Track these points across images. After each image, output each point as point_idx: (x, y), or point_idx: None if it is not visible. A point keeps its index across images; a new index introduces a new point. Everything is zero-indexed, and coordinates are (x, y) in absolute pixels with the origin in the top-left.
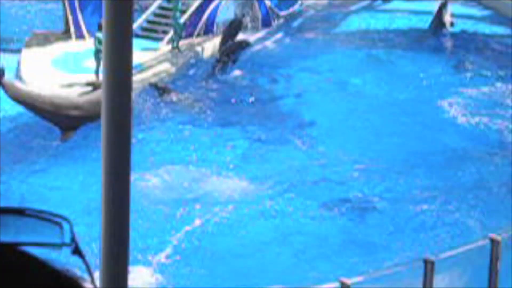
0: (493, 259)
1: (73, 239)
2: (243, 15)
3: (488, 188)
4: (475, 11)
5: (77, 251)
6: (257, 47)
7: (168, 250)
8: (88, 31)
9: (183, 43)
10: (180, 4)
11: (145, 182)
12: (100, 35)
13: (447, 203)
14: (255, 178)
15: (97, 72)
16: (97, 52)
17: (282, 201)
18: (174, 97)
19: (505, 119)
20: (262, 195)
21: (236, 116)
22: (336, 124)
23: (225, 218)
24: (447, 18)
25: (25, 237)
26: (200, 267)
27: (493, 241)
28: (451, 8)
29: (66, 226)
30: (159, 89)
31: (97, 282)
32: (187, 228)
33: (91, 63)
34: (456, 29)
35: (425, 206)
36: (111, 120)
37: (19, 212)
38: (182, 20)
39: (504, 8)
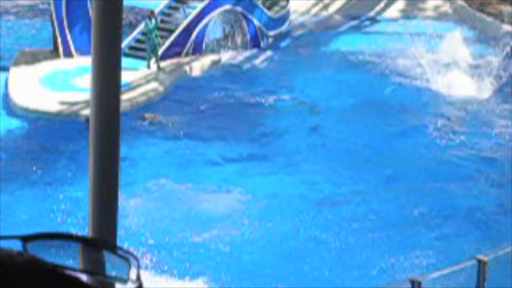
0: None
1: (138, 277)
2: (231, 35)
3: None
4: None
5: None
6: (246, 66)
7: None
8: (76, 50)
9: (171, 62)
10: (155, 23)
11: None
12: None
13: None
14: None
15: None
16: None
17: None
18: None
19: None
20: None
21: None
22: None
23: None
24: None
25: (92, 267)
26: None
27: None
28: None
29: (133, 263)
30: (145, 119)
31: None
32: None
33: (79, 81)
34: None
35: None
36: (100, 136)
37: (91, 242)
38: (169, 40)
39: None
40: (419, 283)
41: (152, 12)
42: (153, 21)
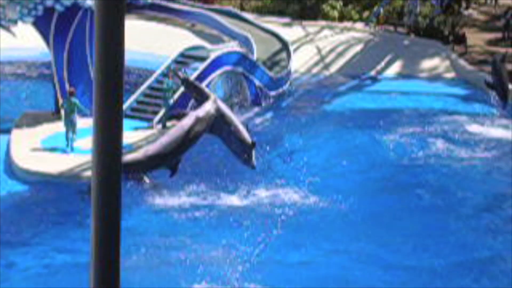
0: None
1: None
2: (232, 95)
3: None
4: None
5: None
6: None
7: None
8: (78, 112)
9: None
10: (171, 83)
11: None
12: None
13: None
14: None
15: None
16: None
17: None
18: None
19: None
20: None
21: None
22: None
23: None
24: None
25: None
26: None
27: None
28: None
29: None
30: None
31: None
32: None
33: (81, 143)
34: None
35: None
36: (101, 197)
37: None
38: (172, 100)
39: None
40: None
41: (170, 70)
42: (170, 80)
